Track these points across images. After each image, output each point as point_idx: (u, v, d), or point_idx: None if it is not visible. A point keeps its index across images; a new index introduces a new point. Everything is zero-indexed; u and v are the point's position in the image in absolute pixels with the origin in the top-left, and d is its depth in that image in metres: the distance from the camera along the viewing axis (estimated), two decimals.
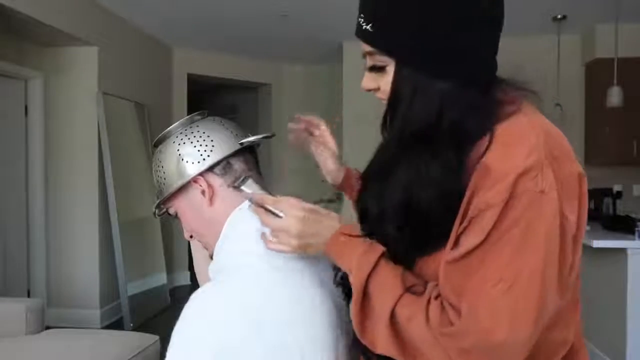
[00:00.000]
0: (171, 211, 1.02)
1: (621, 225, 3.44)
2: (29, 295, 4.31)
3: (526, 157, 0.71)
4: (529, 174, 0.70)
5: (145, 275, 4.75)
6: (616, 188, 4.82)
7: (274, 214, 0.88)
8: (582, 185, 0.76)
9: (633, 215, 3.82)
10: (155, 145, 1.02)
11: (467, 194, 0.74)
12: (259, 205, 0.89)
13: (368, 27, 0.79)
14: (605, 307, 3.26)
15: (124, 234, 4.39)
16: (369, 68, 0.84)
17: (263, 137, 1.00)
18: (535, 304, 0.69)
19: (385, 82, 0.81)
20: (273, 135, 1.06)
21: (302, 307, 0.87)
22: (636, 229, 3.10)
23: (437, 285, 0.78)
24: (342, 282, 0.89)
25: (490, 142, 0.74)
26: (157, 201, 1.02)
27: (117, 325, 4.41)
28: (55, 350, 2.41)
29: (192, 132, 0.97)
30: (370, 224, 0.86)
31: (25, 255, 4.33)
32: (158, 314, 4.68)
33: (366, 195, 0.88)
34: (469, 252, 0.71)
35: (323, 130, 1.22)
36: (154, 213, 1.04)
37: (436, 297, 0.75)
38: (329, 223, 0.86)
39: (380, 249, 0.82)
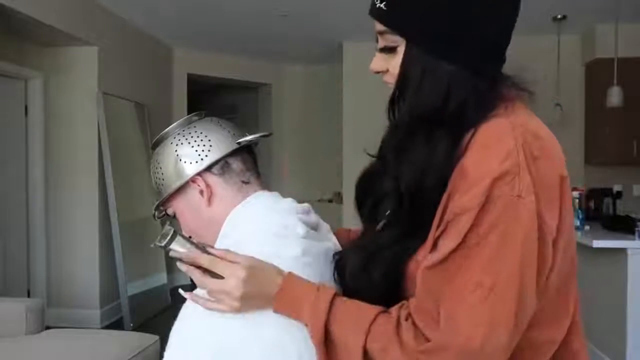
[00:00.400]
0: (170, 212, 1.02)
1: (621, 225, 3.43)
2: (29, 295, 4.31)
3: (502, 161, 0.70)
4: (505, 178, 0.69)
5: (145, 275, 4.75)
6: (616, 188, 4.82)
7: (209, 272, 0.83)
8: (564, 188, 0.75)
9: (633, 215, 3.82)
10: (153, 147, 1.02)
11: (444, 196, 0.73)
12: (193, 265, 0.84)
13: (382, 5, 0.79)
14: (605, 307, 3.26)
15: (124, 234, 4.39)
16: (380, 49, 0.83)
17: (260, 136, 1.00)
18: (513, 309, 0.69)
19: (394, 64, 0.81)
20: (270, 134, 1.06)
21: None
22: (636, 229, 3.09)
23: (401, 306, 0.77)
24: (340, 278, 0.88)
25: (470, 140, 0.74)
26: (156, 203, 1.02)
27: (117, 325, 4.41)
28: (55, 350, 2.41)
29: (190, 133, 0.97)
30: (370, 210, 0.85)
31: (25, 255, 4.33)
32: (158, 314, 4.68)
33: (376, 179, 0.87)
34: (446, 257, 0.71)
35: None
36: (154, 215, 1.04)
37: (406, 319, 0.74)
38: (272, 279, 0.82)
39: (331, 290, 0.80)
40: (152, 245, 0.89)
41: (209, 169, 0.96)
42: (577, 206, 3.52)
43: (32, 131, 4.32)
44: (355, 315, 0.77)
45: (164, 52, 5.70)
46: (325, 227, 1.02)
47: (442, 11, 0.75)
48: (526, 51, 5.10)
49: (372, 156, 0.90)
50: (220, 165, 0.96)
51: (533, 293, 0.71)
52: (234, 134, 0.98)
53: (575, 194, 3.53)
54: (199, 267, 0.84)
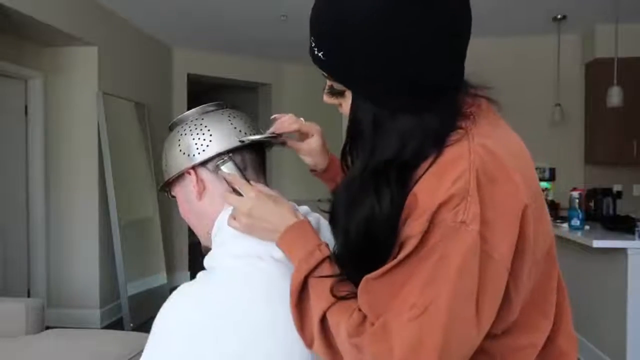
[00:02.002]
0: (173, 193, 1.04)
1: (621, 225, 3.44)
2: (29, 295, 4.31)
3: (450, 186, 0.68)
4: (450, 202, 0.67)
5: (145, 275, 4.75)
6: (616, 188, 4.82)
7: (239, 194, 0.91)
8: (527, 214, 0.70)
9: (633, 215, 3.83)
10: (170, 128, 1.02)
11: (400, 224, 0.72)
12: (229, 185, 0.93)
13: (320, 54, 0.74)
14: (605, 307, 3.26)
15: (124, 234, 4.39)
16: (327, 90, 0.80)
17: (267, 138, 0.98)
18: (439, 335, 0.66)
19: (346, 102, 0.78)
20: (279, 136, 1.04)
21: (272, 310, 0.84)
22: (636, 229, 3.09)
23: None
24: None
25: (428, 168, 0.71)
26: (161, 184, 1.04)
27: (117, 325, 4.42)
28: (55, 350, 2.41)
29: (196, 125, 0.97)
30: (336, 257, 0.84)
31: (25, 255, 4.33)
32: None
33: (334, 232, 0.85)
34: (389, 270, 0.70)
35: (302, 125, 1.13)
36: (167, 194, 1.06)
37: (360, 309, 0.74)
38: (283, 213, 0.87)
39: (327, 251, 0.81)
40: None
41: (203, 164, 0.96)
42: (577, 206, 3.52)
43: (32, 131, 4.32)
44: (330, 285, 0.78)
45: (164, 52, 5.70)
46: (328, 227, 1.01)
47: (383, 60, 0.69)
48: (526, 51, 5.13)
49: (329, 210, 0.86)
50: (215, 162, 0.96)
51: (469, 324, 0.68)
52: (240, 131, 0.97)
53: (575, 194, 3.53)
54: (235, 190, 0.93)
